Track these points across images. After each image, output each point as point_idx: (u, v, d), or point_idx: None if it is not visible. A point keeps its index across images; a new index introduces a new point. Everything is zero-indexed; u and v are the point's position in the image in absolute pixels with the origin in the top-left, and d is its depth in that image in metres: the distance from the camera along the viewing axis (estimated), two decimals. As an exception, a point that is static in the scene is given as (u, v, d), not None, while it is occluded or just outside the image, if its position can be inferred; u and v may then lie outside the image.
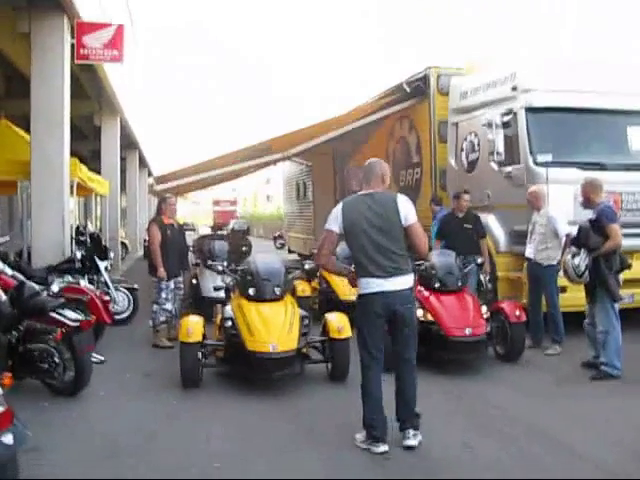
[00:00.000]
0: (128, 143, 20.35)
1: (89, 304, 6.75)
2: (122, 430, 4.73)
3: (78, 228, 10.51)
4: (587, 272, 5.93)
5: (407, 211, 4.35)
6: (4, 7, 9.01)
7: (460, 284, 6.74)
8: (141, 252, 21.25)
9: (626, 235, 6.29)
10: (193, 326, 5.84)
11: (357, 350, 4.50)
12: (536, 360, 6.72)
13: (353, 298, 5.00)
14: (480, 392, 5.68)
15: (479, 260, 7.55)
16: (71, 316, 5.46)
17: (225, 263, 8.04)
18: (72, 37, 9.16)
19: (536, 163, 7.94)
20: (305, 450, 4.37)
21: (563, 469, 4.00)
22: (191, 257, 10.31)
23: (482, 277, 8.25)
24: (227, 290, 7.04)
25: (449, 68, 10.45)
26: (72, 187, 9.72)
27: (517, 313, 6.55)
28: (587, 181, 6.28)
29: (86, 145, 19.72)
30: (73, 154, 9.76)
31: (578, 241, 6.08)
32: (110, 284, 8.91)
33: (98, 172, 14.94)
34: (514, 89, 8.35)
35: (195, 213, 52.82)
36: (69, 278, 8.01)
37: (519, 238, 8.00)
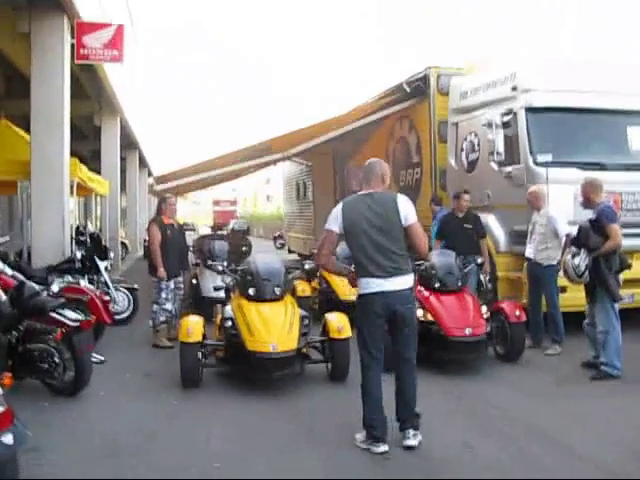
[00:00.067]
0: (128, 143, 20.35)
1: (89, 304, 6.75)
2: (122, 430, 4.73)
3: (78, 228, 10.51)
4: (587, 272, 5.93)
5: (407, 211, 4.34)
6: (4, 7, 9.01)
7: (460, 284, 6.74)
8: (141, 252, 21.25)
9: (626, 235, 6.29)
10: (193, 326, 5.84)
11: (357, 350, 4.50)
12: (536, 360, 6.72)
13: (353, 298, 5.00)
14: (480, 392, 5.68)
15: (479, 260, 7.55)
16: (71, 316, 5.46)
17: (225, 263, 8.04)
18: (72, 37, 9.16)
19: (536, 163, 7.94)
20: (305, 450, 4.37)
21: (563, 469, 3.99)
22: (191, 257, 10.31)
23: (482, 277, 8.25)
24: (227, 290, 7.04)
25: (449, 68, 10.45)
26: (72, 187, 9.72)
27: (517, 313, 6.55)
28: (587, 181, 6.28)
29: (86, 145, 19.73)
30: (73, 154, 9.76)
31: (578, 241, 6.08)
32: (110, 284, 8.92)
33: (98, 172, 14.94)
34: (514, 89, 8.35)
35: (195, 213, 52.82)
36: (69, 278, 8.01)
37: (519, 238, 8.00)
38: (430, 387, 5.41)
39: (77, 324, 5.42)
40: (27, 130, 9.58)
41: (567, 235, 6.77)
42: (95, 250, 9.06)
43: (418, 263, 6.47)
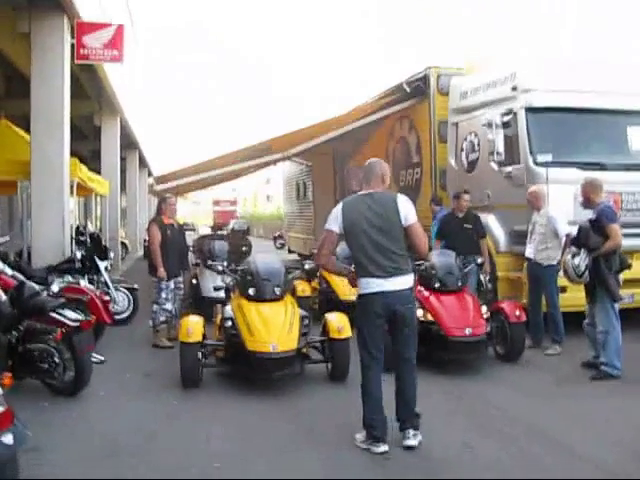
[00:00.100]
0: (128, 143, 20.34)
1: (89, 304, 6.75)
2: (122, 430, 4.73)
3: (78, 228, 10.51)
4: (587, 272, 5.93)
5: (407, 211, 4.34)
6: (4, 7, 9.01)
7: (460, 284, 6.74)
8: (141, 252, 21.25)
9: (626, 235, 6.29)
10: (193, 326, 5.84)
11: (357, 350, 4.50)
12: (536, 360, 6.72)
13: (353, 298, 5.00)
14: (480, 392, 5.68)
15: (479, 260, 7.55)
16: (71, 316, 5.46)
17: (225, 263, 8.04)
18: (72, 37, 9.16)
19: (536, 163, 7.94)
20: (305, 450, 4.37)
21: (563, 469, 3.99)
22: (191, 257, 10.31)
23: (482, 277, 8.25)
24: (227, 290, 7.04)
25: (449, 68, 10.45)
26: (72, 187, 9.72)
27: (517, 313, 6.55)
28: (587, 181, 6.28)
29: (86, 145, 19.73)
30: (73, 154, 9.76)
31: (578, 241, 6.08)
32: (110, 284, 8.92)
33: (98, 172, 14.94)
34: (514, 89, 8.35)
35: (195, 213, 52.83)
36: (69, 278, 8.01)
37: (519, 238, 8.00)
38: (430, 387, 5.41)
39: (77, 324, 5.42)
40: (27, 130, 9.58)
41: (567, 235, 6.77)
42: (95, 250, 9.06)
43: (418, 263, 6.47)
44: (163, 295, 7.65)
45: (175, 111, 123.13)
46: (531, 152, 8.01)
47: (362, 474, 3.98)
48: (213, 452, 4.31)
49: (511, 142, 8.32)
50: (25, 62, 9.60)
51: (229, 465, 4.10)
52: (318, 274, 9.49)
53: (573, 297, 7.00)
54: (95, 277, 8.80)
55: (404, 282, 4.32)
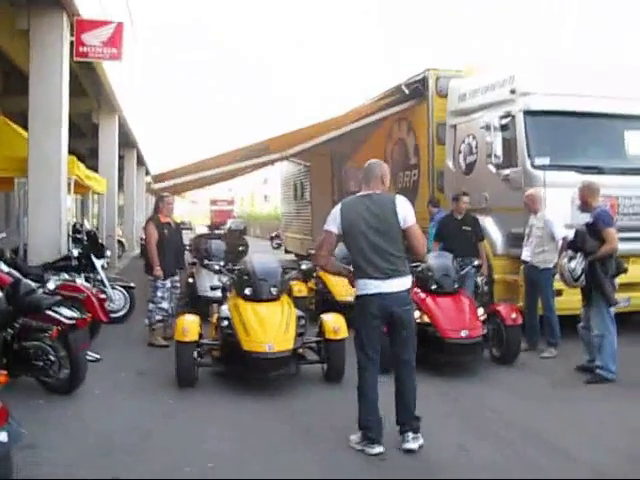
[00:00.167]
0: (126, 141, 20.32)
1: (85, 302, 6.74)
2: (117, 429, 4.72)
3: (75, 226, 10.51)
4: (583, 276, 5.94)
5: (406, 213, 4.34)
6: (3, 4, 9.01)
7: (457, 286, 6.74)
8: (138, 250, 21.23)
9: (622, 239, 6.31)
10: (189, 325, 5.84)
11: (353, 351, 4.50)
12: (532, 363, 6.73)
13: (349, 299, 5.01)
14: (476, 394, 5.68)
15: (476, 262, 7.55)
16: (67, 314, 5.45)
17: (222, 262, 8.02)
18: (71, 34, 9.14)
19: (534, 166, 7.95)
20: (300, 450, 4.37)
21: (558, 472, 4.00)
22: (188, 256, 10.30)
23: (479, 279, 8.25)
24: (223, 290, 7.03)
25: (448, 70, 10.45)
26: (69, 185, 9.70)
27: (513, 316, 6.56)
28: (585, 184, 6.29)
29: (84, 143, 19.72)
30: (71, 152, 9.75)
31: (574, 245, 6.10)
32: (106, 282, 8.90)
33: (96, 170, 14.92)
34: (512, 92, 8.36)
35: (193, 212, 52.83)
36: (65, 276, 8.00)
37: (516, 241, 8.01)
38: (426, 389, 5.39)
39: (73, 322, 5.41)
40: (25, 127, 9.56)
41: (564, 238, 6.77)
42: (92, 248, 9.05)
43: (414, 265, 6.47)
44: (159, 294, 7.64)
45: (174, 110, 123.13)
46: (529, 155, 8.02)
47: (357, 475, 3.98)
48: (208, 452, 4.30)
49: (509, 145, 8.33)
50: (24, 59, 9.59)
51: (224, 465, 4.09)
52: (314, 274, 9.50)
53: (569, 300, 7.01)
54: (91, 275, 8.79)
55: (401, 284, 4.32)
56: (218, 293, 7.30)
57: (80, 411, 5.16)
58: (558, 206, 7.48)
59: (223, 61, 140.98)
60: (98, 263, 8.82)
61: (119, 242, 18.82)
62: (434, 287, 6.68)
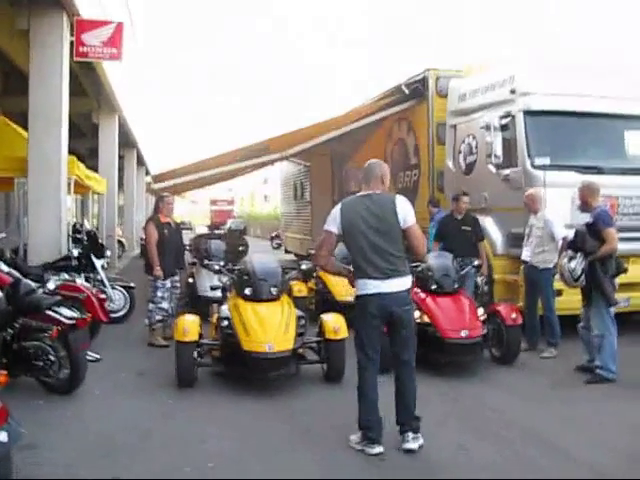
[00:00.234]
0: (126, 141, 20.32)
1: (85, 302, 6.74)
2: (117, 429, 4.72)
3: (75, 226, 10.50)
4: (583, 276, 5.94)
5: (406, 213, 4.33)
6: (3, 4, 9.01)
7: (457, 286, 6.74)
8: (138, 250, 21.23)
9: (622, 239, 6.31)
10: (189, 325, 5.84)
11: (353, 351, 4.50)
12: (532, 363, 6.73)
13: (349, 299, 5.01)
14: (476, 394, 5.68)
15: (476, 262, 7.55)
16: (67, 314, 5.44)
17: (222, 262, 8.02)
18: (71, 34, 9.15)
19: (534, 166, 7.95)
20: (300, 450, 4.37)
21: (558, 471, 4.00)
22: (188, 256, 10.30)
23: (478, 279, 8.25)
24: (223, 289, 7.03)
25: (448, 70, 10.46)
26: (69, 185, 9.70)
27: (513, 316, 6.56)
28: (585, 184, 6.29)
29: (84, 143, 19.71)
30: (71, 152, 9.75)
31: (574, 245, 6.10)
32: (106, 282, 8.90)
33: (96, 170, 14.92)
34: (512, 92, 8.35)
35: (193, 212, 52.83)
36: (65, 276, 8.00)
37: (516, 241, 8.00)
38: (426, 389, 5.39)
39: (73, 322, 5.40)
40: (25, 127, 9.56)
41: (563, 238, 6.77)
42: (92, 248, 9.05)
43: (414, 265, 6.47)
44: (159, 294, 7.64)
45: (174, 110, 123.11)
46: (529, 155, 8.02)
47: (357, 475, 3.98)
48: (208, 452, 4.30)
49: (509, 145, 8.33)
50: (24, 59, 9.59)
51: (223, 465, 4.09)
52: (314, 274, 9.49)
53: (569, 300, 7.01)
54: (91, 275, 8.79)
55: (401, 284, 4.32)
56: (218, 293, 7.30)
57: (80, 411, 5.16)
58: (558, 206, 7.48)
59: (223, 61, 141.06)
60: (98, 263, 8.82)
61: (119, 242, 18.83)
62: (434, 287, 6.68)
